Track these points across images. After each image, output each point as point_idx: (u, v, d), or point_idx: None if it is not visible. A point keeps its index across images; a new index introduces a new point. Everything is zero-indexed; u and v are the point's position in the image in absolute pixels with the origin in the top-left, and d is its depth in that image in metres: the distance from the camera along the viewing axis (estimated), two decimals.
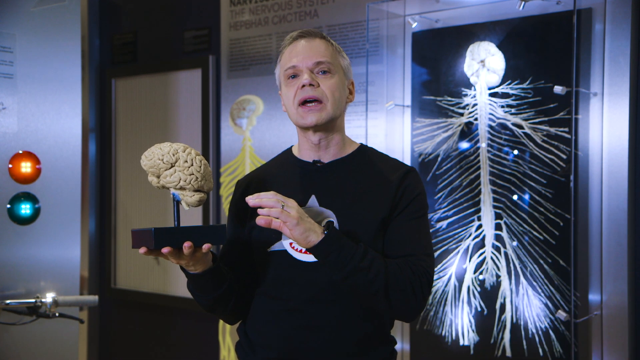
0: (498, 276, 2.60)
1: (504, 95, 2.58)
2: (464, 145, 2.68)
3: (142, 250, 1.65)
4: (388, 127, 2.89)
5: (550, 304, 2.49)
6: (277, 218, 1.64)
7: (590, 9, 2.44)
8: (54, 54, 2.86)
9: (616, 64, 2.41)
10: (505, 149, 2.58)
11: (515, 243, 2.56)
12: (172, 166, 1.68)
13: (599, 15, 2.43)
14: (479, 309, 2.64)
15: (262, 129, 3.34)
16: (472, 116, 2.65)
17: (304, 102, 1.78)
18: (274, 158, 1.98)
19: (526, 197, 2.53)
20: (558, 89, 2.43)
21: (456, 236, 2.69)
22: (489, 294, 2.62)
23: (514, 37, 2.56)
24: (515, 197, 2.56)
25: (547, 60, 2.49)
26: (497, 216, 2.60)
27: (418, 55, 2.80)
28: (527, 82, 2.53)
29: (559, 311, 2.45)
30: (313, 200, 1.80)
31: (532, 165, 2.52)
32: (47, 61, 2.84)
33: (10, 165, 2.71)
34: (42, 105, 2.82)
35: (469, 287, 2.66)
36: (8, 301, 2.64)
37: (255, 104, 3.35)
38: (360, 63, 2.95)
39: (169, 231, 1.65)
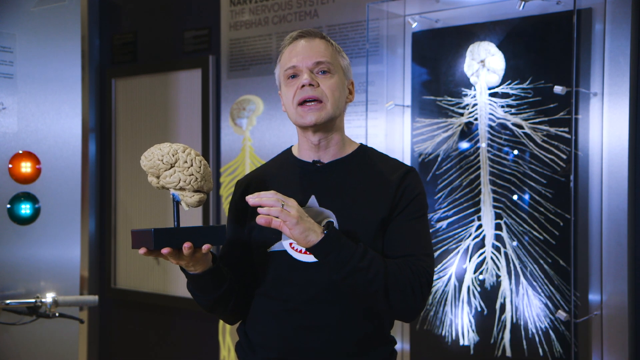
0: (498, 276, 2.60)
1: (504, 95, 2.58)
2: (464, 145, 2.68)
3: (142, 250, 1.65)
4: (388, 127, 2.89)
5: (550, 304, 2.49)
6: (277, 217, 1.64)
7: (590, 9, 2.44)
8: (54, 54, 2.86)
9: (616, 64, 2.41)
10: (505, 149, 2.58)
11: (515, 243, 2.56)
12: (171, 167, 1.68)
13: (599, 15, 2.43)
14: (479, 309, 2.64)
15: (262, 129, 3.34)
16: (472, 116, 2.65)
17: (303, 102, 1.78)
18: (274, 158, 1.98)
19: (526, 197, 2.53)
20: (558, 89, 2.43)
21: (456, 236, 2.69)
22: (489, 294, 2.62)
23: (514, 37, 2.56)
24: (515, 197, 2.56)
25: (547, 60, 2.49)
26: (497, 216, 2.60)
27: (418, 55, 2.80)
28: (527, 82, 2.53)
29: (559, 311, 2.45)
30: (313, 201, 1.80)
31: (532, 165, 2.52)
32: (47, 61, 2.84)
33: (10, 165, 2.71)
34: (42, 105, 2.82)
35: (469, 287, 2.66)
36: (8, 301, 2.64)
37: (255, 104, 3.35)
38: (360, 63, 2.95)
39: (169, 232, 1.65)
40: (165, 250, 1.63)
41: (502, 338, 2.59)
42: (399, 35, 2.87)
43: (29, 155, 2.76)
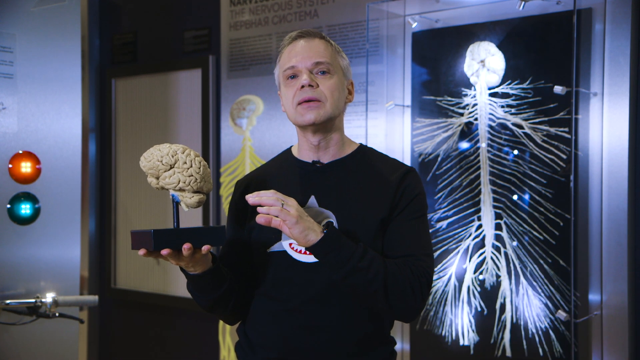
0: (498, 276, 2.60)
1: (504, 95, 2.58)
2: (464, 145, 2.68)
3: (142, 252, 1.65)
4: (388, 127, 2.89)
5: (550, 304, 2.49)
6: (277, 216, 1.64)
7: (590, 9, 2.44)
8: (54, 54, 2.86)
9: (616, 64, 2.41)
10: (505, 149, 2.58)
11: (515, 243, 2.56)
12: (171, 167, 1.68)
13: (599, 15, 2.42)
14: (479, 309, 2.64)
15: (262, 129, 3.33)
16: (472, 116, 2.65)
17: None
18: (274, 158, 1.98)
19: (526, 197, 2.53)
20: (558, 89, 2.43)
21: (456, 236, 2.69)
22: (489, 294, 2.62)
23: (514, 37, 2.56)
24: (515, 197, 2.55)
25: (547, 60, 2.49)
26: (497, 216, 2.60)
27: (418, 55, 2.80)
28: (527, 82, 2.53)
29: (559, 311, 2.45)
30: (312, 201, 1.79)
31: (532, 165, 2.52)
32: (47, 61, 2.84)
33: (10, 165, 2.71)
34: (42, 105, 2.82)
35: (469, 287, 2.66)
36: (8, 301, 2.64)
37: (255, 104, 3.35)
38: (360, 63, 2.95)
39: (169, 233, 1.65)
40: (164, 252, 1.63)
41: (502, 338, 2.59)
42: (399, 35, 2.87)
43: (29, 155, 2.76)
